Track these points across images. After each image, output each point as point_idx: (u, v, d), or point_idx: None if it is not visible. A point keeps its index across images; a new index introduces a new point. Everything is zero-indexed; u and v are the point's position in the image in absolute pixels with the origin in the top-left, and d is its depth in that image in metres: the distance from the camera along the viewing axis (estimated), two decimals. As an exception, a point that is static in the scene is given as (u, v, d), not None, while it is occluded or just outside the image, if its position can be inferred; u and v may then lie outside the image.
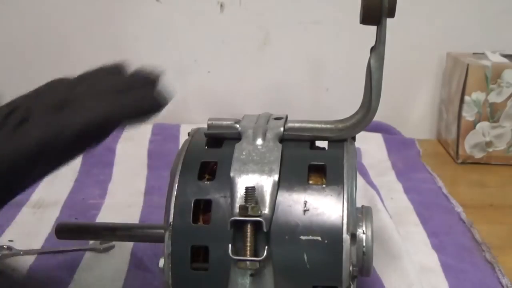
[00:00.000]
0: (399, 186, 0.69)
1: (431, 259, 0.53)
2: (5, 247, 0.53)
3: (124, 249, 0.53)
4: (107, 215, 0.61)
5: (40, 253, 0.52)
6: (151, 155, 0.77)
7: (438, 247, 0.55)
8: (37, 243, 0.54)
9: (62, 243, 0.49)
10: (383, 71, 0.37)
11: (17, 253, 0.52)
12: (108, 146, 0.79)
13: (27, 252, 0.52)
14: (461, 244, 0.56)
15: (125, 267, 0.50)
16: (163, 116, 0.99)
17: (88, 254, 0.52)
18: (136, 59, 0.95)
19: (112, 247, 0.53)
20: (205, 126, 0.41)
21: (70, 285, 0.48)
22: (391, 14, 0.34)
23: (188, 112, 0.89)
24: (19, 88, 0.96)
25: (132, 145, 0.80)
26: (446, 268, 0.52)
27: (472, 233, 0.58)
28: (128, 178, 0.71)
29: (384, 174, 0.73)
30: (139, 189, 0.68)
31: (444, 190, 0.67)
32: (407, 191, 0.68)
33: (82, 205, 0.63)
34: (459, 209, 0.63)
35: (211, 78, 0.88)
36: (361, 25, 0.36)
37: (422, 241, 0.57)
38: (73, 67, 0.93)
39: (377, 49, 0.36)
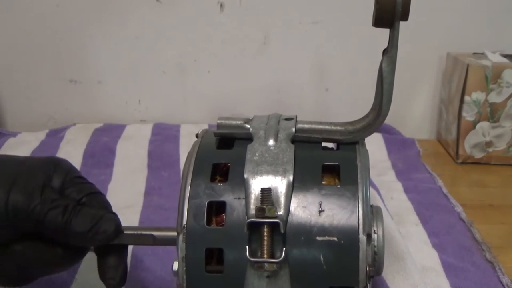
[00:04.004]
0: (399, 186, 0.69)
1: (432, 258, 0.54)
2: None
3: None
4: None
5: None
6: (151, 155, 0.77)
7: (438, 247, 0.56)
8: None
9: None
10: (394, 75, 0.37)
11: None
12: (108, 147, 0.78)
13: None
14: (461, 243, 0.56)
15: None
16: (163, 116, 1.00)
17: (89, 255, 0.52)
18: (137, 59, 0.96)
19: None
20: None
21: (72, 286, 0.48)
22: (405, 17, 0.34)
23: (188, 112, 0.90)
24: (19, 88, 0.95)
25: (132, 145, 0.80)
26: (447, 268, 0.52)
27: (472, 233, 0.58)
28: (128, 178, 0.70)
29: (384, 174, 0.73)
30: (139, 189, 0.68)
31: (444, 190, 0.67)
32: (407, 191, 0.68)
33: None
34: (459, 209, 0.63)
35: (211, 78, 0.88)
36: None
37: (423, 241, 0.57)
38: (73, 67, 0.94)
39: (390, 53, 0.36)
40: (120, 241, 0.39)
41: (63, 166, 0.39)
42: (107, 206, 0.40)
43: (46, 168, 0.38)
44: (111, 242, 0.38)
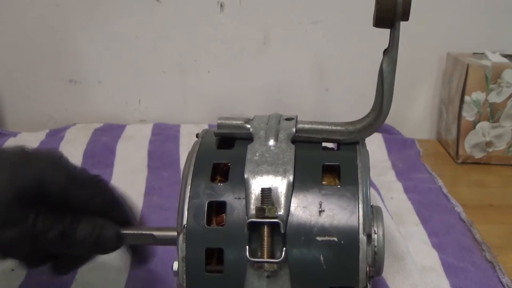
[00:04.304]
0: (399, 186, 0.69)
1: (432, 258, 0.54)
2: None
3: (124, 249, 0.53)
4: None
5: (40, 253, 0.52)
6: (151, 155, 0.77)
7: (438, 247, 0.55)
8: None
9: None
10: (395, 75, 0.37)
11: (18, 253, 0.52)
12: (108, 146, 0.78)
13: (28, 253, 0.52)
14: (461, 243, 0.56)
15: (127, 268, 0.50)
16: (163, 116, 1.00)
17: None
18: (137, 59, 0.96)
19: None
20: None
21: (72, 286, 0.48)
22: (405, 17, 0.34)
23: (188, 112, 0.90)
24: (19, 88, 0.95)
25: (132, 145, 0.80)
26: (447, 268, 0.52)
27: (472, 233, 0.58)
28: (128, 178, 0.70)
29: (384, 174, 0.73)
30: (139, 189, 0.68)
31: (444, 190, 0.67)
32: (407, 191, 0.68)
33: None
34: (459, 208, 0.63)
35: (211, 78, 0.88)
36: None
37: (423, 241, 0.57)
38: (73, 67, 0.94)
39: (390, 53, 0.36)
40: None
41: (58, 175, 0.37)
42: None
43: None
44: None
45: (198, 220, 0.35)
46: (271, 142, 0.38)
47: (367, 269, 0.34)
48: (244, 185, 0.36)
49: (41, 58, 0.86)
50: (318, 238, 0.34)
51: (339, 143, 0.41)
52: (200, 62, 0.87)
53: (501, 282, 0.50)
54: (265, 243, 0.33)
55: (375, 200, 0.61)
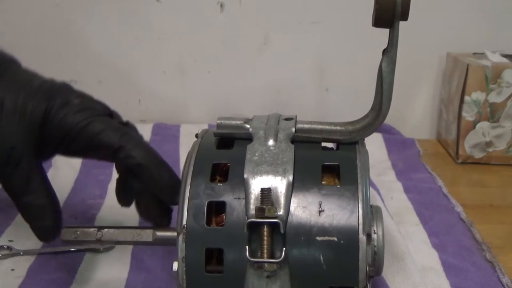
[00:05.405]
0: (399, 186, 0.69)
1: (432, 258, 0.53)
2: (5, 247, 0.52)
3: (124, 249, 0.53)
4: (106, 215, 0.60)
5: (40, 253, 0.52)
6: (151, 155, 0.77)
7: (438, 247, 0.55)
8: (37, 243, 0.54)
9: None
10: (394, 75, 0.37)
11: (17, 253, 0.52)
12: (108, 146, 0.78)
13: (27, 252, 0.52)
14: (462, 243, 0.56)
15: (127, 268, 0.50)
16: (163, 116, 1.00)
17: (88, 255, 0.52)
18: (137, 59, 0.95)
19: (112, 247, 0.53)
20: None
21: (72, 285, 0.48)
22: (404, 17, 0.34)
23: (188, 112, 0.89)
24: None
25: (132, 145, 0.79)
26: (447, 268, 0.52)
27: (472, 233, 0.58)
28: (128, 178, 0.70)
29: (384, 174, 0.73)
30: (139, 189, 0.68)
31: (444, 190, 0.67)
32: (407, 190, 0.68)
33: (82, 205, 0.63)
34: (459, 208, 0.63)
35: (211, 78, 0.88)
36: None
37: (423, 241, 0.57)
38: (73, 67, 0.93)
39: (389, 53, 0.36)
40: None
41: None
42: None
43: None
44: None
45: (198, 220, 0.36)
46: (271, 142, 0.38)
47: (367, 269, 0.34)
48: (243, 185, 0.36)
49: (41, 58, 0.86)
50: (318, 238, 0.34)
51: (339, 143, 0.41)
52: (200, 62, 0.87)
53: (501, 282, 0.50)
54: (265, 243, 0.34)
55: (375, 200, 0.61)
